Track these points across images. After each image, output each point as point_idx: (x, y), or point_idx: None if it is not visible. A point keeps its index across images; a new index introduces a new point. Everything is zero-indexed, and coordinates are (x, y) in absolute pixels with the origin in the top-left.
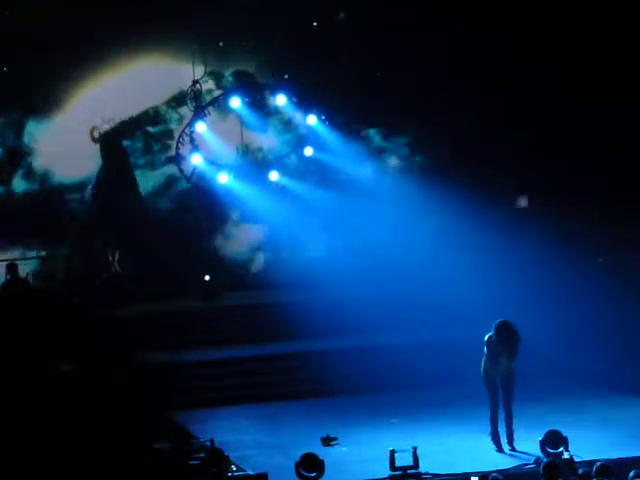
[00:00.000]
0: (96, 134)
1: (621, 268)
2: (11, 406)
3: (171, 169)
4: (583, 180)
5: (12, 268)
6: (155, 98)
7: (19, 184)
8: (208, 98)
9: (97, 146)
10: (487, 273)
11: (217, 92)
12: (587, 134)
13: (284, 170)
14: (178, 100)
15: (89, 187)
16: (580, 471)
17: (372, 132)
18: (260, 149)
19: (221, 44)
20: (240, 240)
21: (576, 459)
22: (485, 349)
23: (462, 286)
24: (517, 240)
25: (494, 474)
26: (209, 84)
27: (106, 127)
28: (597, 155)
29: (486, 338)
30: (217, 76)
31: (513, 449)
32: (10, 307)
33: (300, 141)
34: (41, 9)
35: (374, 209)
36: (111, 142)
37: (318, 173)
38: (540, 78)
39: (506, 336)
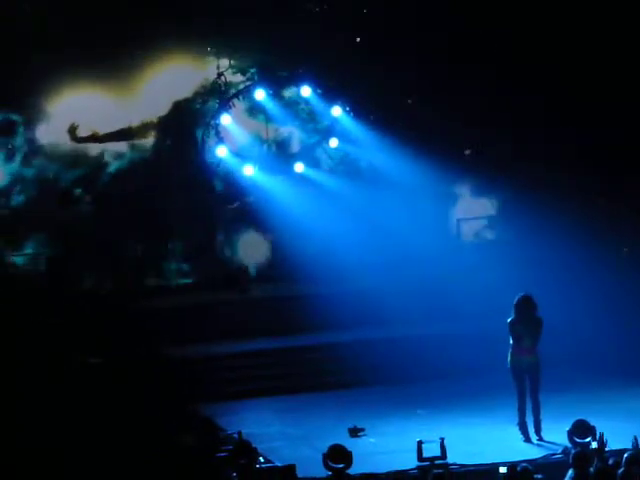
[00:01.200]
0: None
1: None
2: (34, 398)
3: None
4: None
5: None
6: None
7: None
8: (233, 91)
9: None
10: (512, 264)
11: (242, 85)
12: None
13: (309, 162)
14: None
15: None
16: (610, 461)
17: None
18: (285, 141)
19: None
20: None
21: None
22: (510, 338)
23: (488, 276)
24: (542, 230)
25: (523, 464)
26: (234, 77)
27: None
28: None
29: (508, 321)
30: (241, 69)
31: (541, 439)
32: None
33: (325, 133)
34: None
35: (399, 199)
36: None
37: (344, 164)
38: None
39: (526, 311)
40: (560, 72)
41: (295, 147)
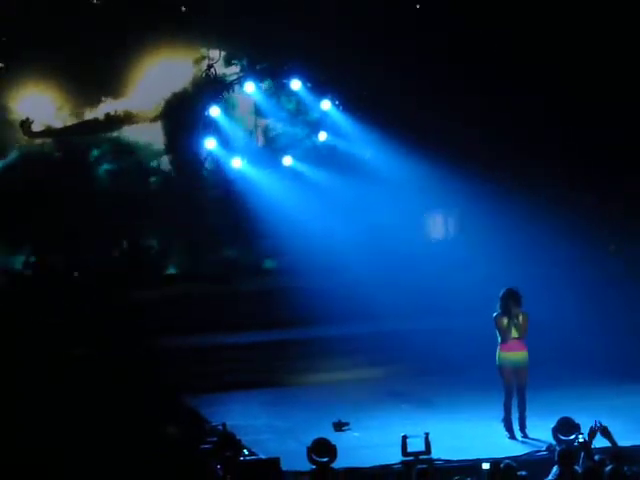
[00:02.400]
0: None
1: (633, 256)
2: (21, 392)
3: None
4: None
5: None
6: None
7: None
8: (222, 83)
9: None
10: (499, 261)
11: (231, 77)
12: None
13: (298, 155)
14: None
15: None
16: (595, 458)
17: None
18: (274, 134)
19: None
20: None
21: None
22: (497, 333)
23: (475, 272)
24: (532, 229)
25: (506, 460)
26: (223, 69)
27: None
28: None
29: (494, 315)
30: (231, 61)
31: (525, 436)
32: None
33: (314, 126)
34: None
35: (388, 194)
36: None
37: (332, 158)
38: None
39: (512, 305)
40: (560, 72)
41: (284, 140)
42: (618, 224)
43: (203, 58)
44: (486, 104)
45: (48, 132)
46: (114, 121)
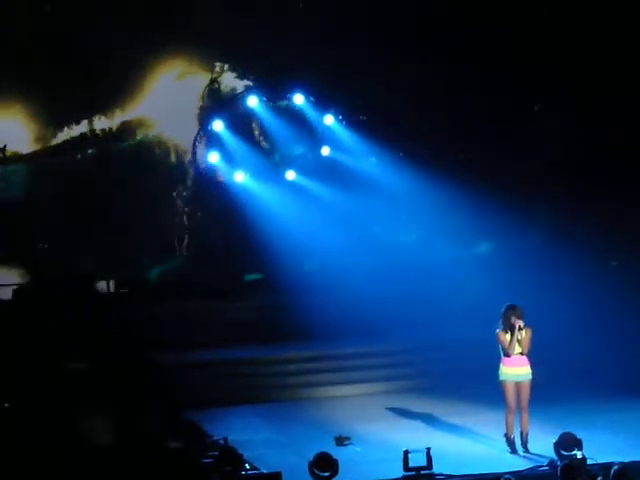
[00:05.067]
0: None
1: (635, 271)
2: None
3: None
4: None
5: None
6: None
7: None
8: (225, 97)
9: None
10: (499, 274)
11: (235, 91)
12: None
13: (301, 169)
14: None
15: None
16: (598, 478)
17: None
18: (277, 148)
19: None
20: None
21: (590, 462)
22: (500, 349)
23: (474, 288)
24: (532, 241)
25: (507, 475)
26: (226, 82)
27: None
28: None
29: (497, 331)
30: (234, 75)
31: (527, 451)
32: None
33: (317, 141)
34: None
35: (391, 208)
36: None
37: (335, 173)
38: None
39: (514, 317)
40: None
41: (287, 155)
42: (619, 238)
43: (207, 72)
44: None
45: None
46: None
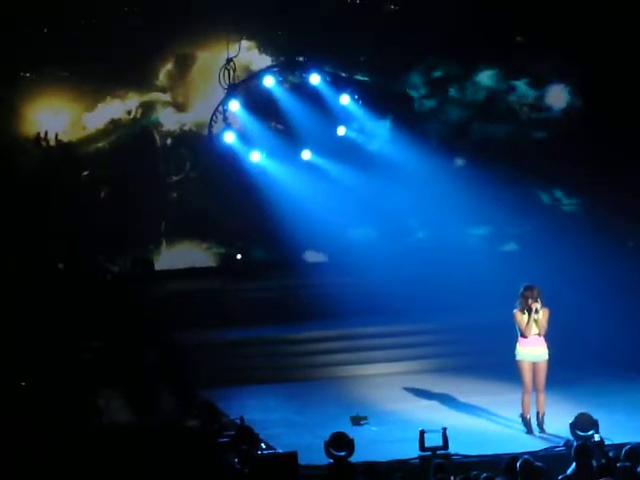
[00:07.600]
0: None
1: None
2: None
3: None
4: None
5: None
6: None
7: None
8: (241, 77)
9: None
10: (518, 256)
11: (251, 71)
12: None
13: (317, 149)
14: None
15: None
16: (610, 454)
17: None
18: (292, 128)
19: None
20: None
21: (606, 442)
22: (517, 329)
23: (493, 268)
24: (553, 227)
25: (525, 456)
26: (243, 62)
27: None
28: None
29: (514, 312)
30: (251, 55)
31: (543, 431)
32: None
33: (333, 120)
34: None
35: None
36: None
37: (351, 153)
38: None
39: (531, 298)
40: None
41: (303, 134)
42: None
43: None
44: None
45: None
46: None
